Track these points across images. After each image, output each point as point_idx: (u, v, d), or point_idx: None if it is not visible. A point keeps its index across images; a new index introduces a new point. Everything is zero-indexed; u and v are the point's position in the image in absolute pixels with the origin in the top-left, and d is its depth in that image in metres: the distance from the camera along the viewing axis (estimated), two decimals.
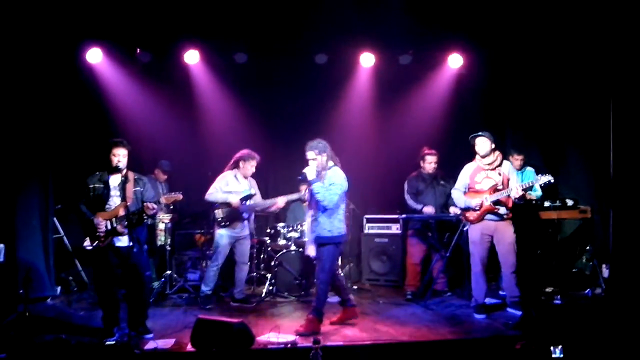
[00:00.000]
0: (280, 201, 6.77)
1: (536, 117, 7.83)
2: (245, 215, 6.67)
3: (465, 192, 6.06)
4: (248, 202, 6.65)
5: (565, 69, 7.39)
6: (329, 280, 5.60)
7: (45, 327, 5.55)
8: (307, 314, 5.58)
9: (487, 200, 5.82)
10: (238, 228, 6.64)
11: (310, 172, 5.49)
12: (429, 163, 7.10)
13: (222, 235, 6.61)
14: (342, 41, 7.80)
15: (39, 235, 6.97)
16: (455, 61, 8.14)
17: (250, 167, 6.70)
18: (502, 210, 5.84)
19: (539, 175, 5.77)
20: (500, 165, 5.94)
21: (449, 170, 7.14)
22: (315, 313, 5.47)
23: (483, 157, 5.93)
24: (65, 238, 7.50)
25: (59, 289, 7.19)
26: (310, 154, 5.54)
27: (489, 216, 5.88)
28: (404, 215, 7.18)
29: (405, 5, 7.22)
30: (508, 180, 5.88)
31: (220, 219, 6.60)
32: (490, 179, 5.91)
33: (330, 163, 5.60)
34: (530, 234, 6.71)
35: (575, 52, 7.17)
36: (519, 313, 5.70)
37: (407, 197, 7.17)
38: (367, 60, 8.10)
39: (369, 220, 8.21)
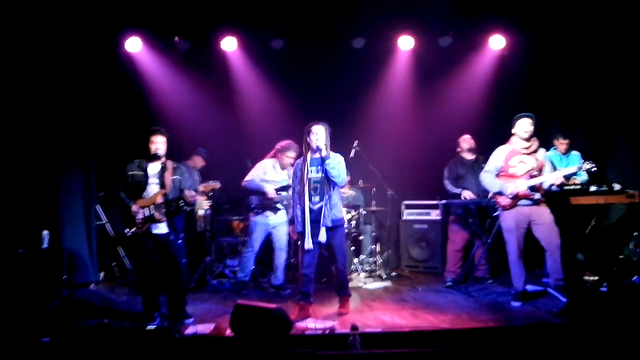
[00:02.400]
0: None
1: (582, 100, 7.55)
2: (280, 205, 6.64)
3: (496, 176, 5.89)
4: (284, 193, 6.60)
5: (613, 50, 7.09)
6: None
7: (88, 312, 5.68)
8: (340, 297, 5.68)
9: (523, 185, 5.64)
10: (273, 216, 6.61)
11: (323, 147, 5.32)
12: (466, 143, 7.01)
13: (256, 222, 6.61)
14: (380, 24, 7.67)
15: (82, 222, 7.14)
16: (497, 42, 7.89)
17: (287, 157, 6.61)
18: (537, 195, 5.67)
19: (583, 162, 5.60)
20: (536, 151, 5.76)
21: (489, 155, 6.97)
22: (348, 293, 5.64)
23: (524, 139, 5.74)
24: (107, 225, 7.65)
25: (101, 274, 7.36)
26: (320, 129, 5.34)
27: (522, 201, 5.70)
28: (444, 201, 7.07)
29: None
30: (542, 167, 5.71)
31: (254, 207, 6.60)
32: (525, 164, 5.73)
33: None
34: (566, 220, 6.49)
35: (624, 34, 6.88)
36: (562, 298, 5.53)
37: (446, 182, 7.07)
38: (405, 43, 7.95)
39: (408, 207, 8.13)
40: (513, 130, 5.81)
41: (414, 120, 8.40)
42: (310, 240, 5.32)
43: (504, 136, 5.96)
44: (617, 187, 6.57)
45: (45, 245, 6.21)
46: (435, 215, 7.91)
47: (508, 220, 5.80)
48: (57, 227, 6.66)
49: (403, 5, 7.44)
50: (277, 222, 6.65)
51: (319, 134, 5.32)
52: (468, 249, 6.94)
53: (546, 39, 7.65)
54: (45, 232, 6.25)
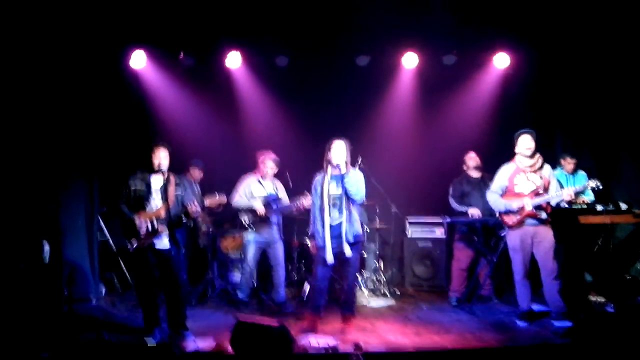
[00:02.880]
0: (307, 201, 6.28)
1: (588, 119, 7.53)
2: (272, 219, 6.58)
3: (502, 195, 5.84)
4: (273, 206, 6.55)
5: (618, 69, 7.09)
6: None
7: (89, 326, 5.61)
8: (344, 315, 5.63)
9: (529, 205, 5.59)
10: (266, 233, 6.56)
11: (342, 164, 5.35)
12: (472, 160, 6.98)
13: (249, 240, 6.57)
14: (384, 42, 7.70)
15: (85, 235, 7.10)
16: (501, 61, 7.89)
17: (265, 167, 6.61)
18: (543, 214, 5.62)
19: (590, 179, 5.56)
20: (541, 168, 5.72)
21: (495, 173, 6.94)
22: (354, 312, 5.63)
23: (527, 157, 5.69)
24: (110, 239, 7.61)
25: (103, 289, 7.30)
26: (341, 145, 5.40)
27: (528, 221, 5.65)
28: (448, 219, 7.01)
29: (449, 2, 7.05)
30: (548, 183, 5.66)
31: (246, 225, 6.55)
32: (531, 182, 5.68)
33: None
34: (574, 239, 6.43)
35: (628, 51, 6.88)
36: (567, 324, 5.43)
37: (451, 200, 7.02)
38: (409, 61, 7.95)
39: (412, 224, 8.05)
40: (516, 150, 5.77)
41: (418, 137, 8.38)
42: (332, 255, 5.31)
43: (509, 154, 5.94)
44: (623, 206, 6.51)
45: (46, 260, 6.17)
46: (439, 233, 7.85)
47: (514, 239, 5.74)
48: (58, 239, 6.61)
49: (407, 24, 7.46)
50: (270, 239, 6.59)
51: (339, 150, 5.39)
52: (473, 267, 6.87)
53: (551, 57, 7.64)
54: (47, 248, 6.21)
